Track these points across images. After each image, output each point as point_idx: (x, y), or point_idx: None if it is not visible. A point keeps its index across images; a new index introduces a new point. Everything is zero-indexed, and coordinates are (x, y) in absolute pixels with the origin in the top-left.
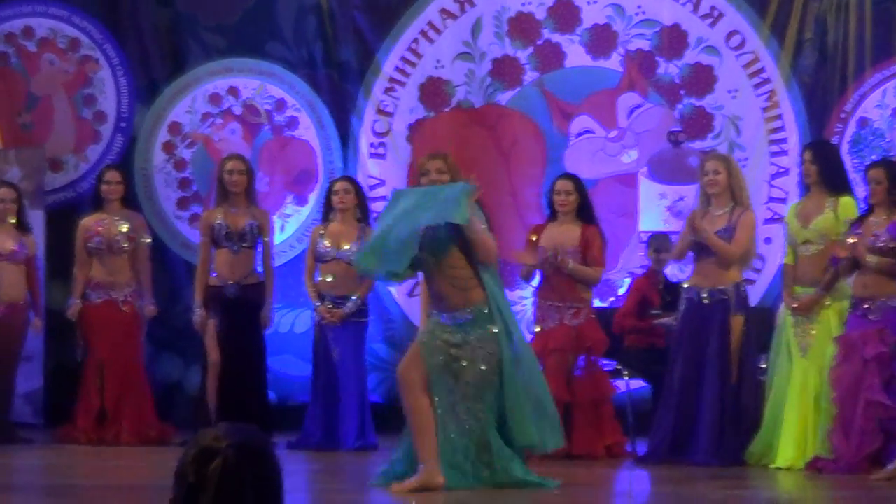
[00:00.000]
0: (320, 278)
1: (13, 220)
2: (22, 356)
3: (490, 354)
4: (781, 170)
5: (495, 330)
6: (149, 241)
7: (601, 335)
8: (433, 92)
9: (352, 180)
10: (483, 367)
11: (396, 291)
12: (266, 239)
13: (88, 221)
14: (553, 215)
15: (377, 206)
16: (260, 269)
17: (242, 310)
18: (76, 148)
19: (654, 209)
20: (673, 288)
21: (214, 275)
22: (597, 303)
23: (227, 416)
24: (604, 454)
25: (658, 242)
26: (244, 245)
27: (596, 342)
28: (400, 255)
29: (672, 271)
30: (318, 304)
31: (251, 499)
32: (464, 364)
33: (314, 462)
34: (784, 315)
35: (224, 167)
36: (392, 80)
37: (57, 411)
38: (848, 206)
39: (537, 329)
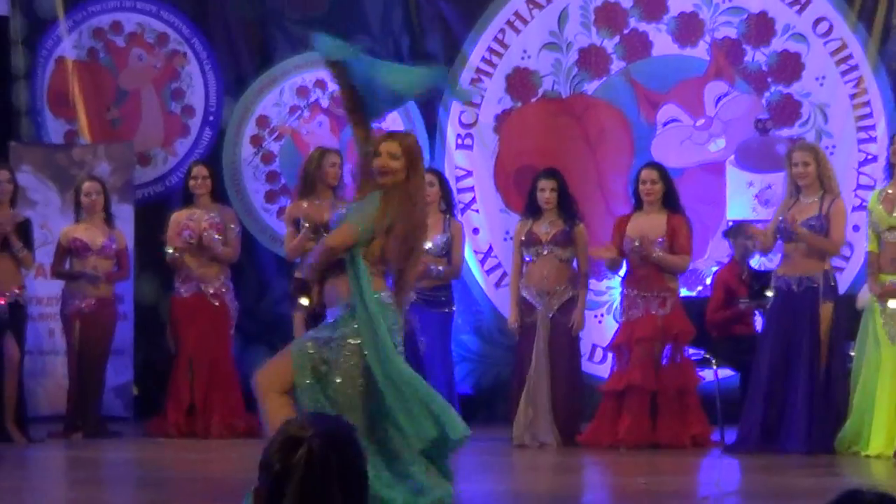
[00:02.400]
0: None
1: (101, 214)
2: (112, 350)
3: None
4: (870, 157)
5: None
6: (238, 228)
7: (688, 325)
8: (520, 82)
9: (436, 172)
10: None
11: (485, 282)
12: None
13: (179, 216)
14: (639, 205)
15: (464, 197)
16: None
17: None
18: (165, 142)
19: (741, 198)
20: (760, 276)
21: (300, 267)
22: (684, 292)
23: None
24: (689, 444)
25: (739, 230)
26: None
27: (682, 332)
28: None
29: (757, 261)
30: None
31: (336, 487)
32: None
33: None
34: (871, 302)
35: (326, 160)
36: (479, 70)
37: (147, 405)
38: None
39: (624, 319)
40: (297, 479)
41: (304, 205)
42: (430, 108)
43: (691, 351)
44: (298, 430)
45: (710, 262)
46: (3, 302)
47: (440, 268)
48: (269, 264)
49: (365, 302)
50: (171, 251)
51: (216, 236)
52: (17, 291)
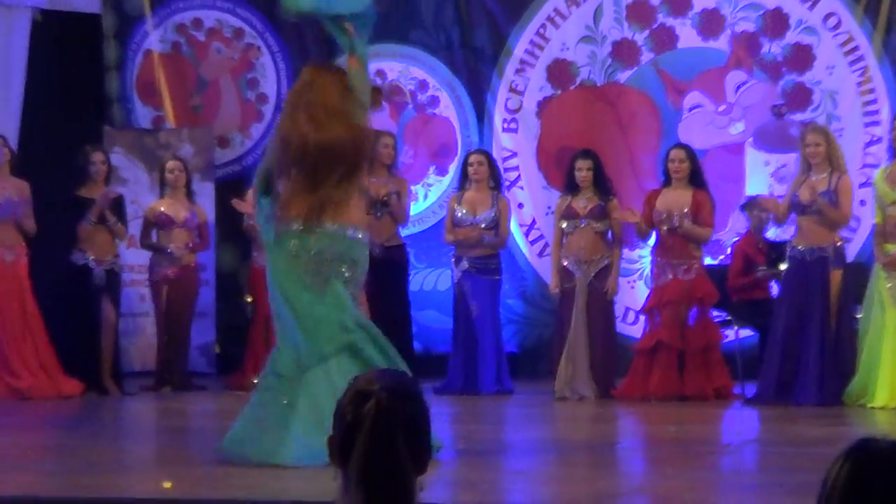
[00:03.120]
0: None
1: (183, 190)
2: (196, 313)
3: None
4: (875, 138)
5: None
6: None
7: (711, 289)
8: (559, 72)
9: (485, 153)
10: None
11: (529, 252)
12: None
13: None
14: (667, 181)
15: (510, 175)
16: (401, 232)
17: (388, 269)
18: (241, 126)
19: (759, 175)
20: (775, 246)
21: None
22: (707, 260)
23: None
24: (712, 396)
25: (755, 204)
26: (387, 210)
27: (706, 295)
28: None
29: (772, 232)
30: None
31: (401, 436)
32: None
33: (457, 405)
34: (876, 269)
35: (380, 141)
36: (522, 61)
37: (227, 361)
38: None
39: (656, 281)
40: (366, 428)
41: (364, 181)
42: (479, 95)
43: (714, 313)
44: (367, 385)
45: (730, 233)
46: (100, 269)
47: (490, 236)
48: None
49: None
50: (250, 222)
51: None
52: (112, 260)
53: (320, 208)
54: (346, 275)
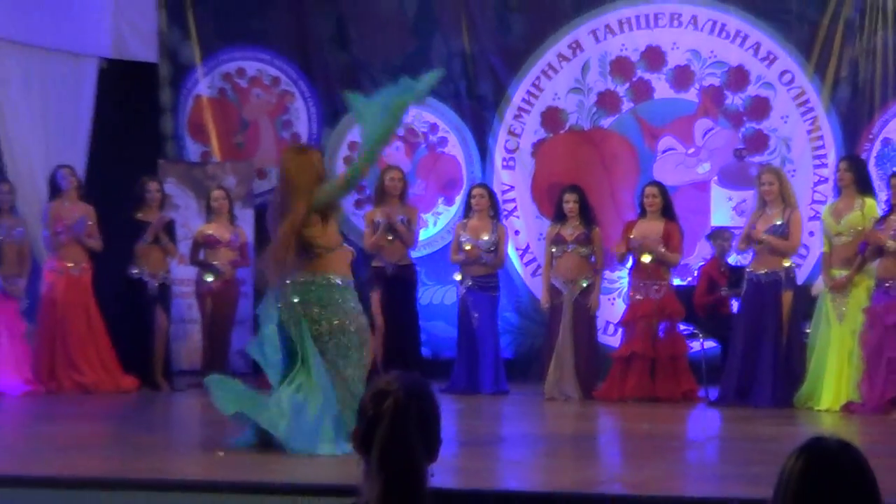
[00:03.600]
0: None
1: (227, 216)
2: (235, 321)
3: None
4: (822, 179)
5: None
6: None
7: (679, 306)
8: (551, 118)
9: (486, 186)
10: None
11: (523, 272)
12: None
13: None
14: (643, 213)
15: (508, 206)
16: (411, 253)
17: (399, 285)
18: (277, 161)
19: (722, 209)
20: (735, 270)
21: (377, 259)
22: (676, 281)
23: (390, 368)
24: (680, 398)
25: (719, 234)
26: (396, 235)
27: (674, 311)
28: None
29: (733, 258)
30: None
31: (415, 428)
32: None
33: (460, 403)
34: (823, 291)
35: (386, 175)
36: (520, 108)
37: None
38: (872, 207)
39: (631, 298)
40: (385, 422)
41: (378, 212)
42: (482, 137)
43: (682, 326)
44: (386, 385)
45: (697, 258)
46: (154, 282)
47: (484, 262)
48: (356, 256)
49: None
50: None
51: None
52: (164, 274)
53: None
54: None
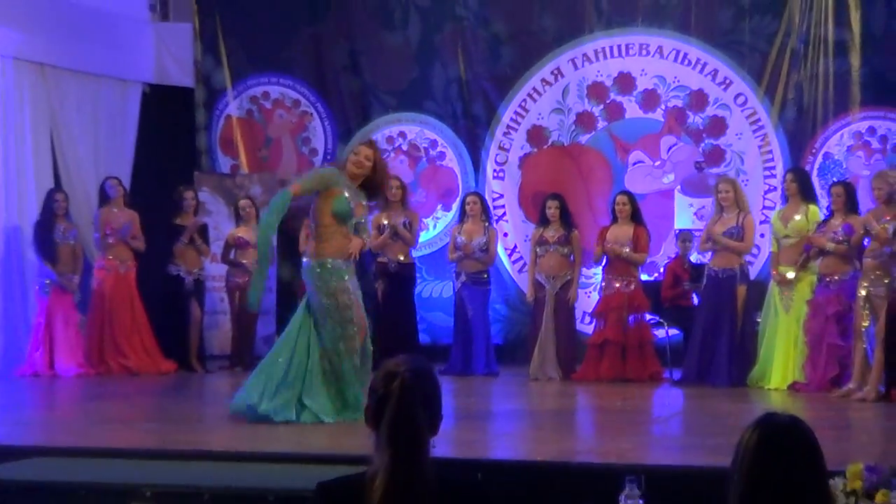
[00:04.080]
0: (459, 260)
1: (254, 221)
2: (261, 311)
3: None
4: (772, 188)
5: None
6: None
7: (645, 299)
8: (536, 135)
9: (479, 195)
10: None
11: (511, 269)
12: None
13: (307, 222)
14: (615, 219)
15: (498, 212)
16: (413, 252)
17: (400, 280)
18: (297, 172)
19: (684, 214)
20: (696, 267)
21: (382, 256)
22: (644, 277)
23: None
24: (647, 378)
25: (683, 236)
26: (398, 237)
27: (642, 304)
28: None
29: (695, 257)
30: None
31: (421, 405)
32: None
33: (456, 383)
34: (772, 285)
35: (389, 183)
36: (508, 126)
37: None
38: (815, 212)
39: (604, 292)
40: (394, 400)
41: (383, 216)
42: (476, 152)
43: (649, 317)
44: (395, 367)
45: (663, 257)
46: (189, 278)
47: (477, 258)
48: (365, 254)
49: None
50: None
51: None
52: (198, 271)
53: None
54: None
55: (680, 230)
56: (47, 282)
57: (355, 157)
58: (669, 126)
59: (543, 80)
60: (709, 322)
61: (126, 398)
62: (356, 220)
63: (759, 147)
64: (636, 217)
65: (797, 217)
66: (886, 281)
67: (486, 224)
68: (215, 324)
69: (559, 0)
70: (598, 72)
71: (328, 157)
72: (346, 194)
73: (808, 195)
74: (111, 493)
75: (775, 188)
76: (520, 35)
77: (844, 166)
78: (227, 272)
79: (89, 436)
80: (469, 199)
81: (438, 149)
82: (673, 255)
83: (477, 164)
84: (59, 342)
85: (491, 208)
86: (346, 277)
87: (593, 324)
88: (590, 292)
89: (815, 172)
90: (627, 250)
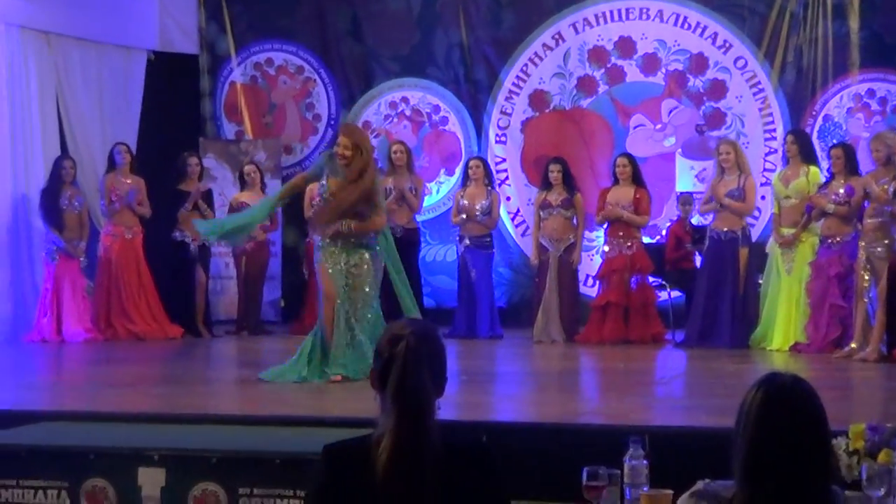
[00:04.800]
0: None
1: (258, 186)
2: (266, 277)
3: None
4: (772, 150)
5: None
6: None
7: (648, 261)
8: (538, 99)
9: (482, 159)
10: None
11: (514, 233)
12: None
13: (312, 188)
14: (616, 181)
15: (500, 176)
16: (417, 217)
17: (405, 245)
18: (301, 138)
19: (685, 177)
20: (697, 229)
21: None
22: (646, 239)
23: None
24: (650, 340)
25: (684, 199)
26: (404, 201)
27: (644, 266)
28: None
29: (696, 219)
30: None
31: (426, 368)
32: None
33: (461, 346)
34: (774, 247)
35: (391, 148)
36: (510, 91)
37: (290, 313)
38: (815, 174)
39: (606, 255)
40: (399, 362)
41: (389, 180)
42: (478, 116)
43: (651, 279)
44: (400, 329)
45: (664, 220)
46: (194, 244)
47: (478, 220)
48: None
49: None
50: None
51: None
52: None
53: None
54: None
55: (681, 193)
56: (54, 248)
57: (337, 149)
58: (670, 89)
59: (544, 44)
60: (711, 284)
61: (133, 363)
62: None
63: (760, 110)
64: (637, 179)
65: (798, 179)
66: (886, 242)
67: (489, 188)
68: (221, 289)
69: None
70: (599, 36)
71: (332, 123)
72: (323, 181)
73: (808, 157)
74: (119, 456)
75: (776, 150)
76: (521, 0)
77: (844, 128)
78: None
79: (97, 400)
80: (472, 163)
81: (441, 114)
82: (675, 218)
83: (479, 129)
84: (66, 308)
85: (494, 172)
86: (323, 255)
87: (596, 286)
88: (592, 255)
89: (815, 134)
90: (627, 214)
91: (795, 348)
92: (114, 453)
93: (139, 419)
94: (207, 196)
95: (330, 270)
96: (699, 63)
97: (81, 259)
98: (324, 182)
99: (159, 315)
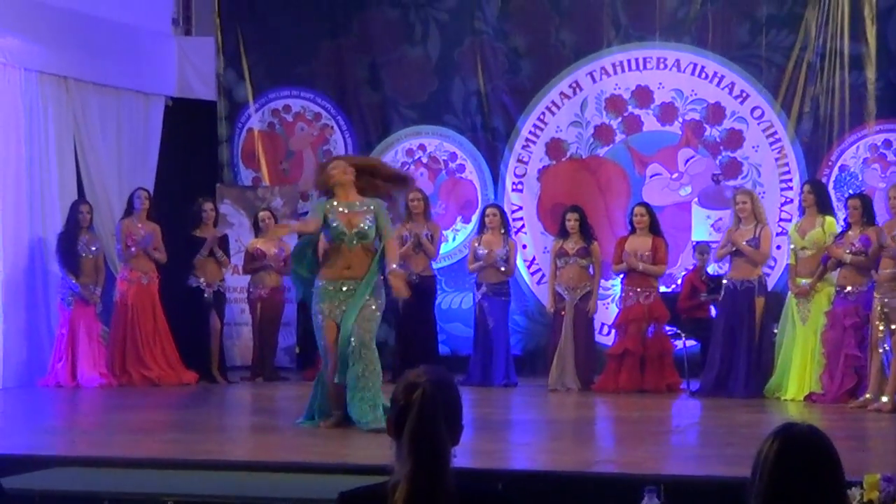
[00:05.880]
0: (479, 271)
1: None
2: (282, 323)
3: None
4: (788, 200)
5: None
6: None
7: (665, 311)
8: (554, 147)
9: (498, 207)
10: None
11: (530, 281)
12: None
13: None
14: (633, 230)
15: (517, 224)
16: (433, 264)
17: (421, 292)
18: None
19: (702, 226)
20: (714, 279)
21: (404, 267)
22: (662, 289)
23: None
24: (665, 390)
25: (701, 248)
26: (420, 248)
27: (661, 315)
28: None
29: (712, 268)
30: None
31: (441, 416)
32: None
33: (475, 394)
34: (790, 297)
35: (408, 196)
36: (527, 139)
37: (305, 359)
38: (832, 224)
39: (624, 304)
40: (415, 410)
41: (406, 227)
42: (495, 164)
43: (667, 328)
44: (416, 377)
45: (680, 268)
46: (209, 290)
47: (502, 269)
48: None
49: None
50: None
51: None
52: (218, 283)
53: None
54: None
55: (697, 242)
56: (70, 293)
57: (335, 171)
58: (687, 139)
59: (562, 93)
60: (727, 333)
61: (148, 409)
62: (359, 229)
63: (776, 160)
64: (654, 228)
65: (815, 229)
66: None
67: (506, 236)
68: (237, 335)
69: (577, 14)
70: (616, 85)
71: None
72: (329, 216)
73: (825, 207)
74: (133, 502)
75: (792, 200)
76: (538, 49)
77: (860, 179)
78: (248, 283)
79: (111, 446)
80: (489, 211)
81: (458, 161)
82: (690, 267)
83: (496, 177)
84: (81, 353)
85: (510, 220)
86: (324, 300)
87: (612, 335)
88: (608, 304)
89: (831, 185)
90: (643, 264)
91: (810, 398)
92: (127, 499)
93: (153, 465)
94: (223, 242)
95: (329, 315)
96: (716, 113)
97: (97, 304)
98: (330, 216)
99: (174, 361)
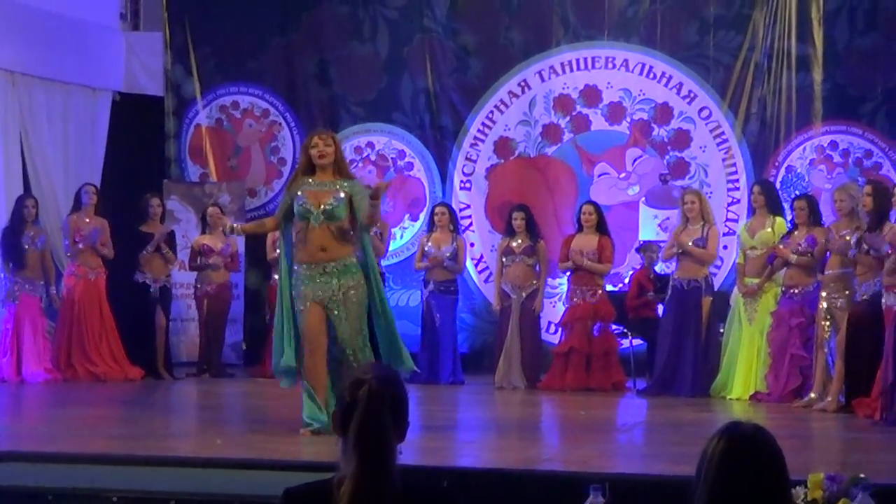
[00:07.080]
0: (427, 269)
1: (221, 229)
2: (228, 319)
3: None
4: (735, 200)
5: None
6: None
7: (611, 309)
8: (503, 146)
9: (447, 205)
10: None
11: (478, 279)
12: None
13: (274, 234)
14: (580, 229)
15: (465, 222)
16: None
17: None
18: (266, 181)
19: (649, 225)
20: (661, 278)
21: None
22: (609, 287)
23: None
24: (611, 388)
25: (645, 247)
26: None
27: (607, 314)
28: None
29: (660, 267)
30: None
31: (388, 413)
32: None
33: (422, 392)
34: (737, 296)
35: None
36: (475, 138)
37: (252, 356)
38: (782, 225)
39: (570, 302)
40: (361, 407)
41: None
42: (443, 162)
43: (614, 327)
44: (362, 374)
45: (627, 267)
46: (155, 286)
47: (446, 266)
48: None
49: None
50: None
51: None
52: (164, 279)
53: None
54: None
55: (642, 242)
56: (15, 288)
57: (315, 150)
58: (635, 138)
59: (511, 92)
60: (674, 332)
61: (93, 404)
62: (326, 206)
63: (723, 160)
64: (601, 227)
65: (764, 229)
66: (847, 293)
67: (454, 234)
68: (183, 331)
69: (527, 13)
70: (565, 84)
71: (296, 167)
72: (299, 192)
73: (775, 207)
74: (78, 498)
75: (739, 200)
76: (487, 47)
77: (807, 180)
78: (195, 279)
79: (56, 441)
80: (438, 209)
81: (406, 159)
82: (638, 266)
83: (444, 175)
84: (26, 348)
85: (458, 218)
86: (305, 284)
87: (558, 333)
88: (555, 302)
89: (778, 185)
90: (588, 262)
91: (755, 397)
92: (72, 494)
93: (98, 461)
94: (170, 238)
95: (312, 297)
96: (664, 113)
97: (42, 299)
98: (299, 193)
99: (120, 357)
